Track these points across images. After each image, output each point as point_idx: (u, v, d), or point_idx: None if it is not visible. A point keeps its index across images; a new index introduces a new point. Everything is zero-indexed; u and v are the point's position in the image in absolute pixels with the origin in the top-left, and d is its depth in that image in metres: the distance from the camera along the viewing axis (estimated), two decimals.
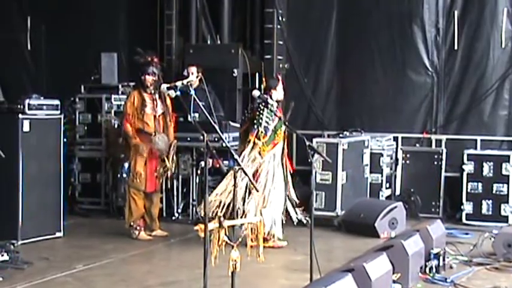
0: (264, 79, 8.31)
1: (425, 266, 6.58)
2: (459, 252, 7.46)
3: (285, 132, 7.94)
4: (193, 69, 9.30)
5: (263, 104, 7.83)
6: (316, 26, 11.00)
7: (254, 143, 7.83)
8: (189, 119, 8.62)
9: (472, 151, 9.77)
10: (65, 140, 8.92)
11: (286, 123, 7.59)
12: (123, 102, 10.50)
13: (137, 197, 8.35)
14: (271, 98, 7.92)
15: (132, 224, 8.38)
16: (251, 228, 5.23)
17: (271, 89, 8.06)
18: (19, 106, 7.94)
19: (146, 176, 8.33)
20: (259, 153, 7.81)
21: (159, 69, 8.48)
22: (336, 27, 10.91)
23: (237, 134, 9.45)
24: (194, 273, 6.34)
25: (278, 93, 8.06)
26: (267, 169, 7.81)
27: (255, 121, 7.86)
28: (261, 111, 7.84)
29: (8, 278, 6.43)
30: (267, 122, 7.82)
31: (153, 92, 8.35)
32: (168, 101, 8.42)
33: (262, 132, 7.81)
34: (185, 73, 9.33)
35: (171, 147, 8.37)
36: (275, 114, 7.83)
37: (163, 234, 8.53)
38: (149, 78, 8.32)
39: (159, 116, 8.39)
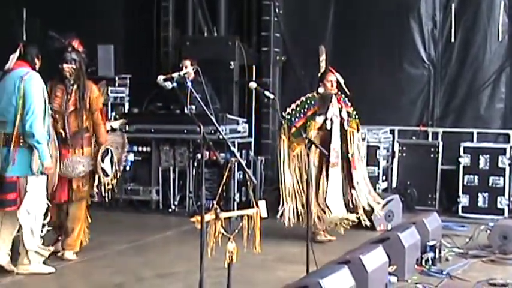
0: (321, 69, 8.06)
1: (422, 258, 6.60)
2: (455, 245, 7.48)
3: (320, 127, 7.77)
4: (187, 63, 9.28)
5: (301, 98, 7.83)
6: (313, 18, 10.99)
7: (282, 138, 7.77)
8: (186, 111, 8.61)
9: (468, 144, 9.79)
10: None
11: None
12: (120, 95, 10.55)
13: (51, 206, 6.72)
14: (317, 90, 7.86)
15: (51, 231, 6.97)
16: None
17: (319, 82, 7.95)
18: None
19: (58, 184, 6.69)
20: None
21: (81, 55, 7.07)
22: (333, 20, 10.90)
23: (233, 126, 9.49)
24: (191, 265, 6.33)
25: (325, 86, 7.87)
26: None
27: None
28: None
29: (0, 272, 6.42)
30: (291, 113, 7.71)
31: (72, 82, 6.94)
32: (95, 94, 7.03)
33: (283, 124, 7.77)
34: (181, 65, 9.32)
35: (98, 156, 6.98)
36: (310, 109, 7.75)
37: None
38: (67, 67, 6.93)
39: (70, 113, 6.90)
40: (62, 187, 6.83)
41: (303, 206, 7.62)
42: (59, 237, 7.08)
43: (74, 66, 6.94)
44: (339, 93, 7.96)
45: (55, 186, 6.61)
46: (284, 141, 7.75)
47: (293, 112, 7.76)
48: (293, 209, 7.66)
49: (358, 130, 8.06)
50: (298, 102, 7.83)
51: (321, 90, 7.88)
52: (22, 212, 6.25)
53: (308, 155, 7.30)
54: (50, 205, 6.57)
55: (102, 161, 7.00)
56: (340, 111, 7.87)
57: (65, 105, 6.88)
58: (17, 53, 6.48)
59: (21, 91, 6.23)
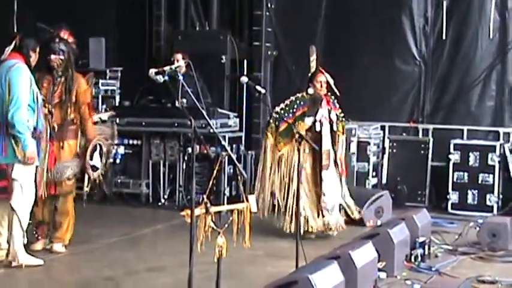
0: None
1: (411, 254, 6.61)
2: (444, 241, 7.50)
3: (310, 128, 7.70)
4: (178, 57, 9.27)
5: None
6: (305, 13, 10.97)
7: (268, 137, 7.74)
8: (177, 104, 8.60)
9: (458, 141, 9.81)
10: None
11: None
12: (111, 88, 10.52)
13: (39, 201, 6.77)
14: (307, 91, 7.80)
15: (33, 229, 6.94)
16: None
17: (309, 82, 7.87)
18: None
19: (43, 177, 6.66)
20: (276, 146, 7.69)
21: (70, 46, 6.92)
22: (324, 15, 10.89)
23: (224, 121, 9.48)
24: (180, 259, 6.31)
25: (315, 87, 7.80)
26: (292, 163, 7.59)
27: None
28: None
29: None
30: (279, 113, 7.62)
31: (60, 74, 6.80)
32: (83, 87, 6.94)
33: (271, 123, 7.76)
34: (173, 59, 9.31)
35: (86, 156, 6.87)
36: (299, 109, 7.69)
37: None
38: (55, 58, 6.78)
39: (55, 105, 6.78)
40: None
41: (281, 205, 7.65)
42: (39, 237, 6.97)
43: (62, 57, 6.79)
44: (329, 94, 7.95)
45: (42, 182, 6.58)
46: (270, 139, 7.73)
47: (281, 111, 7.71)
48: (269, 201, 7.68)
49: (343, 133, 8.06)
50: (287, 101, 7.79)
51: (310, 91, 7.82)
52: (12, 201, 6.25)
53: (299, 150, 7.28)
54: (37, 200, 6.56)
55: (91, 158, 6.88)
56: (330, 113, 7.86)
57: (50, 96, 6.75)
58: (12, 45, 6.45)
59: (7, 82, 6.24)
